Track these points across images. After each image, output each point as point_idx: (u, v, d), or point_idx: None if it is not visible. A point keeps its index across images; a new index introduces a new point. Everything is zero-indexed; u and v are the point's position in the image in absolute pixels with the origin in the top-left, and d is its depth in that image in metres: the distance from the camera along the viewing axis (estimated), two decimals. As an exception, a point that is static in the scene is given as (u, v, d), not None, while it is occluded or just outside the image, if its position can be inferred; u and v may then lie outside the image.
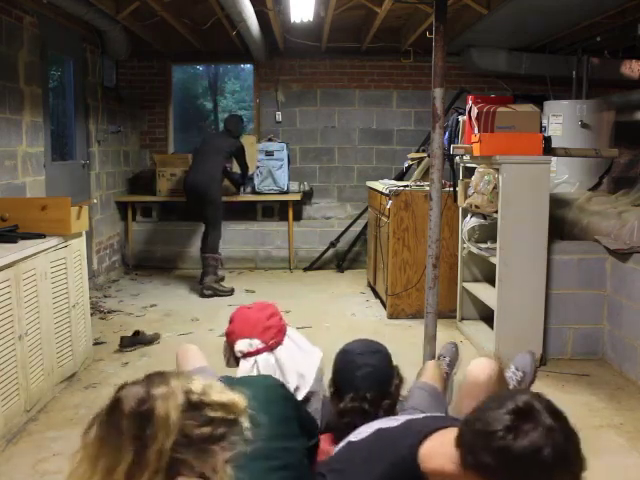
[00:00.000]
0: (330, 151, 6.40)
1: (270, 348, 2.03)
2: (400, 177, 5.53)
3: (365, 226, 5.99)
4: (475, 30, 4.96)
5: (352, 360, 1.97)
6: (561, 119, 4.90)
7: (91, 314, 3.72)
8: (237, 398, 1.34)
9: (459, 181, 3.97)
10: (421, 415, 1.67)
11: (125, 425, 1.20)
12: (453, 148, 3.90)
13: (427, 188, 3.66)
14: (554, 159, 4.05)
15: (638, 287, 3.24)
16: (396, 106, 6.36)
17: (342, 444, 1.63)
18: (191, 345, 2.46)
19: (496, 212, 3.46)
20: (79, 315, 3.35)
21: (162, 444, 1.19)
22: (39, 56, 4.24)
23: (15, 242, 2.84)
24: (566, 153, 3.87)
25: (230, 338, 2.09)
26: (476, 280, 4.21)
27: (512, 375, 2.57)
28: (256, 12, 4.59)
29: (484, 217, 3.79)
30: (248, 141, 5.84)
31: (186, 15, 5.21)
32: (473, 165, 3.79)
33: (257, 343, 2.01)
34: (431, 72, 3.12)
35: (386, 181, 5.16)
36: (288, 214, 6.22)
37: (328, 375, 2.12)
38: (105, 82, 5.59)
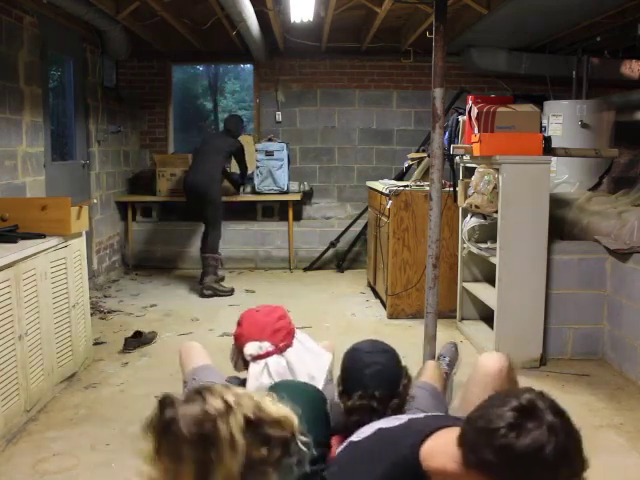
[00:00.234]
0: (330, 151, 6.40)
1: (280, 350, 2.01)
2: (400, 177, 5.53)
3: (365, 226, 6.00)
4: (475, 30, 4.96)
5: (361, 358, 1.97)
6: (561, 119, 4.90)
7: (91, 314, 3.72)
8: (289, 414, 1.29)
9: (459, 181, 3.97)
10: (422, 414, 1.67)
11: (186, 450, 1.13)
12: (453, 148, 3.90)
13: (427, 188, 3.66)
14: (554, 159, 4.05)
15: (638, 287, 3.24)
16: (396, 106, 6.36)
17: (344, 444, 1.63)
18: (194, 343, 2.45)
19: (496, 212, 3.46)
20: (79, 315, 3.34)
21: (229, 468, 1.12)
22: (39, 56, 4.24)
23: (15, 242, 2.84)
24: (566, 153, 3.87)
25: (239, 341, 2.07)
26: (476, 280, 4.21)
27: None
28: (256, 12, 4.59)
29: (484, 217, 3.79)
30: (245, 141, 5.84)
31: (186, 15, 5.21)
32: (473, 165, 3.79)
33: (267, 346, 2.00)
34: (431, 72, 3.12)
35: (386, 181, 5.16)
36: (288, 214, 6.22)
37: (336, 374, 2.12)
38: (105, 82, 5.59)
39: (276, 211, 6.32)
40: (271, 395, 1.41)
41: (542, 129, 3.77)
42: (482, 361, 2.04)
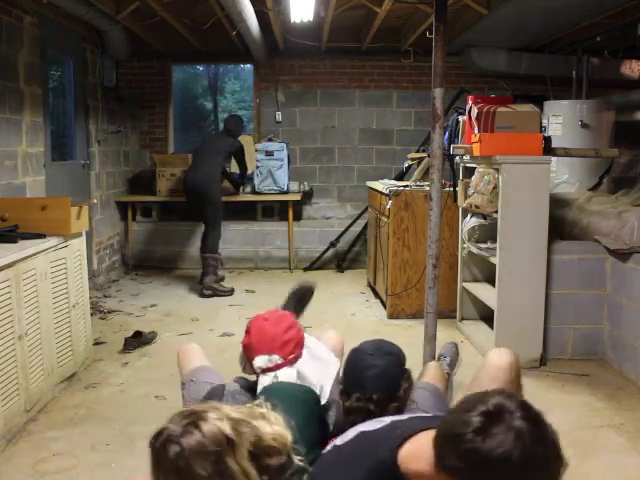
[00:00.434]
0: (330, 151, 6.40)
1: (290, 363, 2.00)
2: (400, 177, 5.53)
3: (365, 226, 6.00)
4: (475, 30, 4.96)
5: (362, 359, 1.96)
6: (561, 119, 4.90)
7: (91, 314, 3.72)
8: (283, 433, 1.29)
9: (459, 181, 3.97)
10: (406, 416, 1.65)
11: None
12: (453, 148, 3.90)
13: (427, 188, 3.66)
14: (554, 159, 4.05)
15: (638, 287, 3.24)
16: (396, 106, 6.36)
17: (329, 447, 1.62)
18: (192, 344, 2.45)
19: (496, 212, 3.46)
20: (79, 315, 3.34)
21: None
22: (39, 56, 4.24)
23: (15, 242, 2.84)
24: (566, 153, 3.87)
25: (248, 353, 2.05)
26: (476, 280, 4.21)
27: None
28: (256, 12, 4.59)
29: (484, 217, 3.79)
30: (245, 141, 5.84)
31: (186, 15, 5.21)
32: (473, 165, 3.79)
33: (276, 359, 1.98)
34: (431, 72, 3.12)
35: (386, 181, 5.16)
36: (288, 214, 6.22)
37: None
38: (105, 82, 5.59)
39: (276, 211, 6.32)
40: (263, 405, 1.42)
41: (542, 129, 3.77)
42: (493, 355, 2.03)
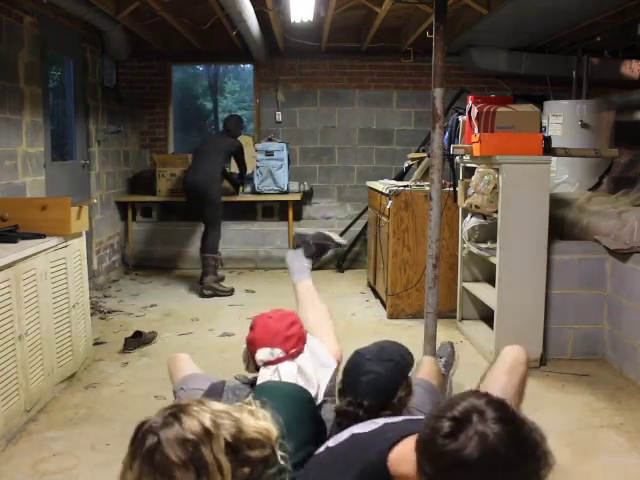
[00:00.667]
0: (330, 151, 6.41)
1: (291, 357, 2.02)
2: (400, 177, 5.53)
3: (365, 226, 5.99)
4: (475, 30, 4.96)
5: (360, 364, 1.94)
6: (561, 119, 4.90)
7: (91, 314, 3.72)
8: (269, 427, 1.29)
9: (459, 181, 3.97)
10: (400, 418, 1.65)
11: (179, 476, 1.15)
12: (453, 148, 3.90)
13: (427, 188, 3.66)
14: (554, 159, 4.05)
15: (638, 287, 3.24)
16: (396, 106, 6.36)
17: (321, 449, 1.61)
18: (181, 354, 2.47)
19: (496, 212, 3.46)
20: (79, 315, 3.34)
21: None
22: (39, 56, 4.24)
23: (15, 242, 2.84)
24: (566, 153, 3.87)
25: (251, 346, 2.08)
26: (476, 280, 4.21)
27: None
28: (256, 12, 4.59)
29: (484, 217, 3.79)
30: (244, 141, 5.84)
31: (186, 15, 5.21)
32: (473, 165, 3.79)
33: (278, 352, 2.01)
34: (431, 72, 3.12)
35: (386, 181, 5.16)
36: (288, 214, 6.22)
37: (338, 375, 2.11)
38: (105, 82, 5.59)
39: (276, 211, 6.32)
40: (252, 403, 1.41)
41: (542, 129, 3.77)
42: (511, 350, 2.03)
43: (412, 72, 6.25)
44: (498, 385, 1.92)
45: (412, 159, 5.20)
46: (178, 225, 6.26)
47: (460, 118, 4.06)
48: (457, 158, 4.05)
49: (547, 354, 3.55)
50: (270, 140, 6.10)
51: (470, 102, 3.74)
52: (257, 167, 5.96)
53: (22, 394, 2.69)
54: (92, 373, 3.41)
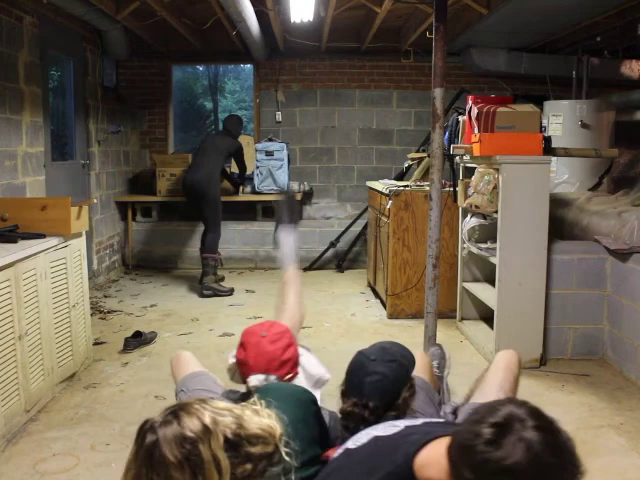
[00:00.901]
0: (330, 151, 6.41)
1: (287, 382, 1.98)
2: (400, 177, 5.53)
3: (365, 226, 5.99)
4: (475, 30, 4.96)
5: (364, 365, 1.93)
6: (561, 119, 4.90)
7: (91, 314, 3.72)
8: (272, 424, 1.29)
9: (459, 181, 3.97)
10: (420, 421, 1.65)
11: (176, 476, 1.15)
12: (453, 148, 3.89)
13: (427, 188, 3.66)
14: (554, 159, 4.05)
15: (638, 287, 3.24)
16: (396, 106, 6.36)
17: (340, 451, 1.61)
18: (184, 352, 2.43)
19: (496, 212, 3.46)
20: (79, 315, 3.34)
21: None
22: (39, 56, 4.24)
23: (15, 242, 2.83)
24: (566, 153, 3.87)
25: (243, 370, 2.00)
26: (476, 280, 4.20)
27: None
28: (256, 12, 4.59)
29: (484, 217, 3.79)
30: (244, 141, 5.84)
31: (186, 15, 5.21)
32: (473, 165, 3.79)
33: (272, 379, 1.94)
34: (431, 72, 3.12)
35: (386, 181, 5.16)
36: (288, 214, 6.20)
37: (339, 375, 2.10)
38: (105, 82, 5.60)
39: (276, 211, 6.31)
40: (256, 402, 1.41)
41: (542, 129, 3.77)
42: (504, 353, 2.08)
43: (412, 72, 6.25)
44: (495, 381, 1.94)
45: (412, 159, 5.20)
46: (178, 225, 6.26)
47: (460, 118, 4.06)
48: (457, 158, 4.05)
49: (547, 354, 3.55)
50: (270, 140, 6.10)
51: (470, 102, 3.74)
52: (257, 167, 5.97)
53: (22, 394, 2.69)
54: (92, 373, 3.41)
